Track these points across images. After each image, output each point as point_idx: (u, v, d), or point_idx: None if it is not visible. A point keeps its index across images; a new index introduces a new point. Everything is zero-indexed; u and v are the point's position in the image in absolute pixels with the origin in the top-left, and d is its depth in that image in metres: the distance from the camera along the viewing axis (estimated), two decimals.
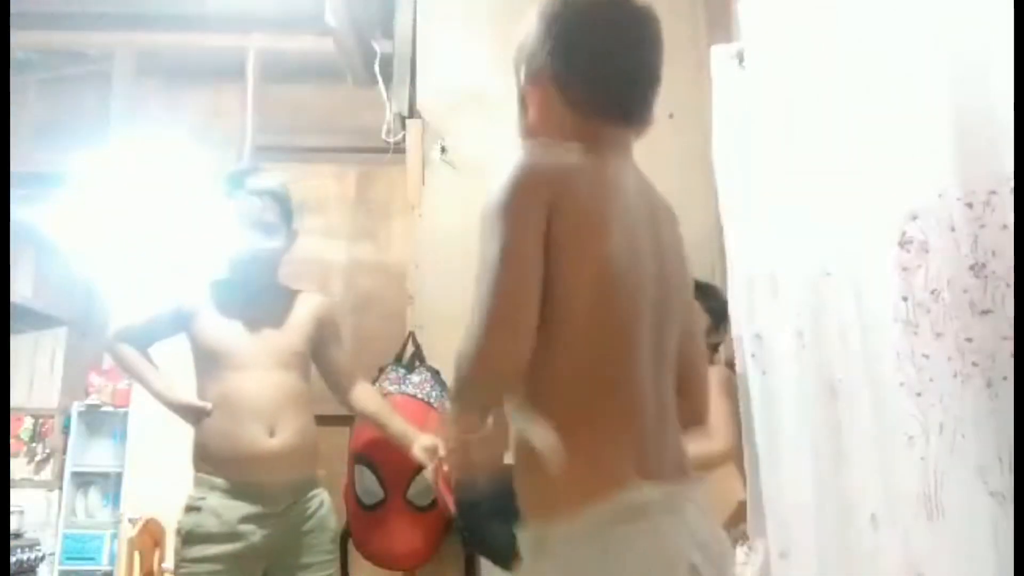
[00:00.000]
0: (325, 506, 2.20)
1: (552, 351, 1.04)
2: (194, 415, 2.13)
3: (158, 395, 2.20)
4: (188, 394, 2.16)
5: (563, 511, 1.01)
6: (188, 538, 2.06)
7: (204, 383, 2.16)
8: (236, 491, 2.07)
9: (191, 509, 2.08)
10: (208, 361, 2.15)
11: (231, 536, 2.04)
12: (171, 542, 4.65)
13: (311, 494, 2.17)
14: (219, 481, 2.08)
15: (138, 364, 2.24)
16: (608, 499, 1.00)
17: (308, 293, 2.34)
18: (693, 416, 1.27)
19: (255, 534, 2.05)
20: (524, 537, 1.08)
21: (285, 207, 2.26)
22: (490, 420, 1.13)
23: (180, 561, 2.07)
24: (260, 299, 2.21)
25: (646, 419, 1.09)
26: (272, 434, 2.09)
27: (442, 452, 1.80)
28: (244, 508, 2.05)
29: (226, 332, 2.16)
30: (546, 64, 1.16)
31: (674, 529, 1.03)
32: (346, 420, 2.49)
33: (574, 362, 1.06)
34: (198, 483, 2.12)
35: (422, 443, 2.11)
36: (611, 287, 1.07)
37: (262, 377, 2.12)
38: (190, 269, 2.53)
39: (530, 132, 1.20)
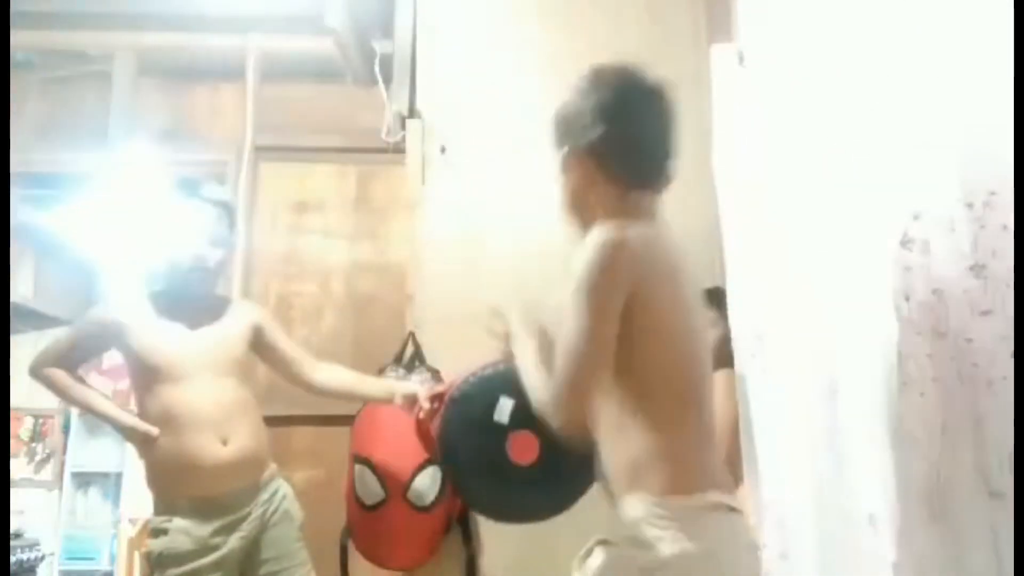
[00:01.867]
0: (287, 497, 2.20)
1: (649, 378, 1.30)
2: (140, 439, 2.09)
3: (106, 416, 2.16)
4: (133, 418, 2.12)
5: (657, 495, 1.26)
6: (160, 561, 2.03)
7: (144, 399, 2.12)
8: (199, 507, 2.05)
9: (159, 532, 2.05)
10: (146, 375, 2.11)
11: (203, 550, 2.02)
12: None
13: (272, 488, 2.16)
14: (181, 502, 2.05)
15: (75, 387, 2.18)
16: (693, 496, 1.26)
17: (240, 301, 2.38)
18: None
19: (228, 543, 2.05)
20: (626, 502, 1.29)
21: (233, 219, 2.30)
22: None
23: None
24: (198, 309, 2.19)
25: (711, 435, 1.36)
26: (225, 443, 2.07)
27: (423, 400, 2.09)
28: (212, 523, 2.04)
29: (164, 344, 2.12)
30: (595, 144, 1.37)
31: (742, 524, 1.33)
32: (346, 420, 2.49)
33: (667, 386, 1.32)
34: (159, 506, 2.09)
35: (402, 391, 2.18)
36: (684, 331, 1.34)
37: (205, 387, 2.09)
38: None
39: (573, 200, 1.43)
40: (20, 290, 4.89)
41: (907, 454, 1.29)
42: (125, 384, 5.39)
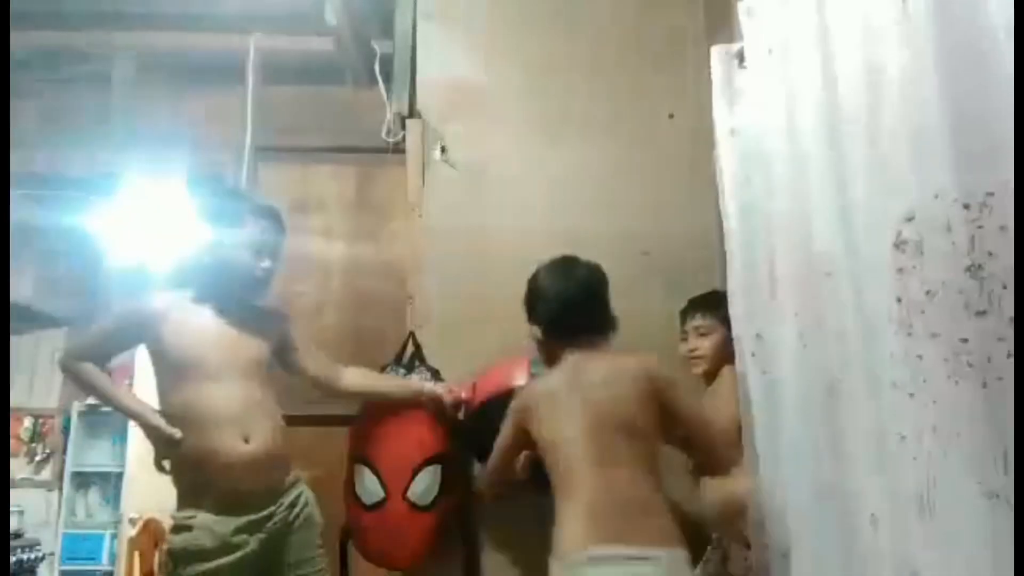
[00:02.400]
0: (310, 503, 2.23)
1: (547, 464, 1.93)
2: (164, 440, 2.10)
3: (134, 414, 2.16)
4: (159, 418, 2.11)
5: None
6: (182, 557, 2.03)
7: (168, 394, 2.14)
8: (223, 504, 2.06)
9: (181, 528, 2.06)
10: (175, 371, 2.12)
11: (226, 548, 2.03)
12: None
13: (295, 493, 2.19)
14: (205, 499, 2.06)
15: (104, 383, 2.19)
16: (573, 552, 1.74)
17: (271, 307, 2.36)
18: (711, 464, 1.99)
19: (250, 543, 2.06)
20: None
21: (282, 226, 2.32)
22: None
23: None
24: (232, 311, 2.21)
25: (596, 503, 1.78)
26: (247, 440, 2.08)
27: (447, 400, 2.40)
28: (235, 519, 2.06)
29: (197, 341, 2.14)
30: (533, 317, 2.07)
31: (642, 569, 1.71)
32: (346, 420, 2.49)
33: (552, 471, 1.90)
34: (183, 502, 2.10)
35: (429, 387, 2.37)
36: (551, 438, 1.91)
37: (231, 387, 2.11)
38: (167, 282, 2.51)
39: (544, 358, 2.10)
40: (20, 290, 4.89)
41: (903, 454, 1.29)
42: (125, 384, 5.41)
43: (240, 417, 2.10)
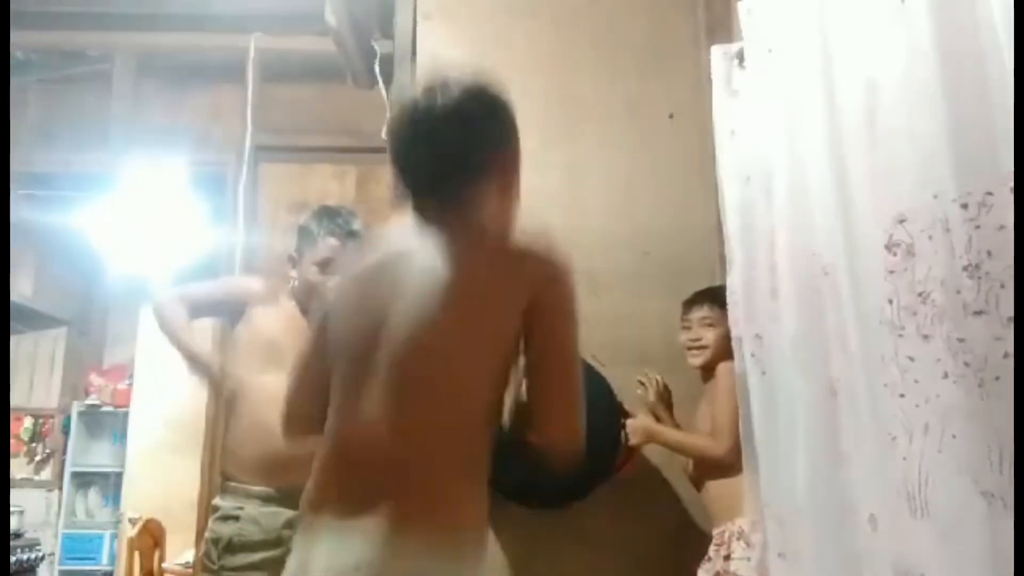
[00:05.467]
0: None
1: None
2: (207, 371, 2.16)
3: (192, 355, 2.19)
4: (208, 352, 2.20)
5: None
6: (230, 547, 2.03)
7: (244, 376, 2.17)
8: (274, 498, 2.07)
9: (228, 518, 2.06)
10: (257, 350, 2.18)
11: (274, 542, 2.03)
12: (171, 542, 4.69)
13: None
14: (256, 489, 2.07)
15: (188, 333, 2.21)
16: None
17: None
18: (563, 429, 1.29)
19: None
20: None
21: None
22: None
23: (220, 570, 2.03)
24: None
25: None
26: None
27: None
28: (284, 513, 2.05)
29: (284, 331, 2.18)
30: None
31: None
32: None
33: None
34: (231, 492, 2.11)
35: None
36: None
37: None
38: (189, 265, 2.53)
39: None
40: (20, 290, 4.90)
41: (899, 454, 1.29)
42: (125, 384, 5.42)
43: None
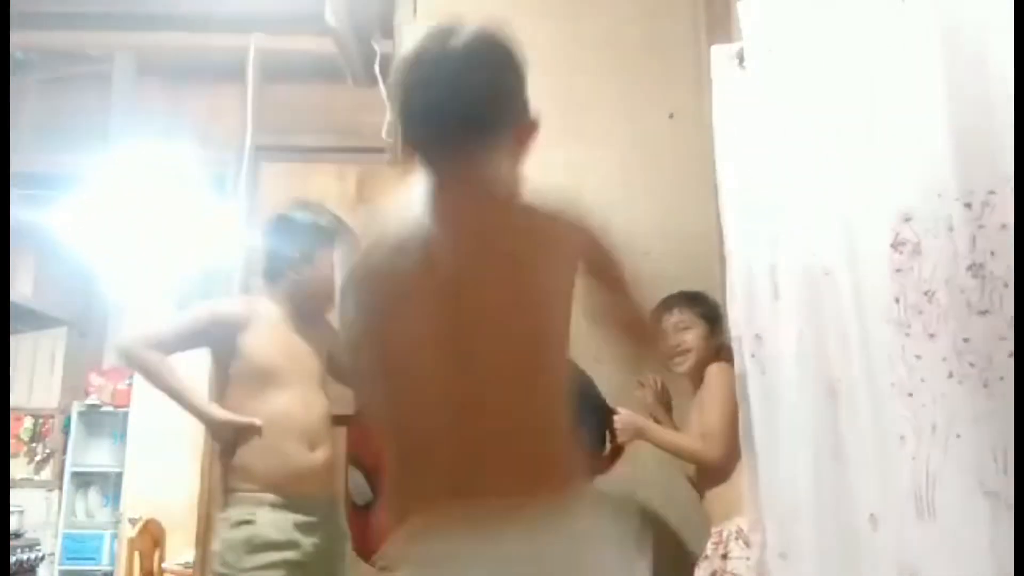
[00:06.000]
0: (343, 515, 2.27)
1: None
2: (238, 433, 2.09)
3: (197, 411, 2.15)
4: (227, 412, 2.11)
5: None
6: (249, 547, 2.02)
7: (242, 399, 2.13)
8: (284, 505, 2.07)
9: (241, 523, 2.05)
10: (254, 378, 2.13)
11: (290, 543, 2.04)
12: (171, 542, 4.68)
13: (339, 504, 2.24)
14: (268, 497, 2.06)
15: (171, 376, 2.15)
16: None
17: (330, 319, 2.35)
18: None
19: (306, 542, 2.06)
20: None
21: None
22: None
23: (241, 571, 2.01)
24: (306, 320, 2.24)
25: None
26: (313, 449, 2.11)
27: None
28: (295, 517, 2.06)
29: (279, 349, 2.16)
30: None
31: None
32: (345, 420, 2.49)
33: None
34: (241, 502, 2.09)
35: None
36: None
37: (304, 396, 2.15)
38: (201, 268, 2.47)
39: None
40: (20, 290, 4.90)
41: (902, 454, 1.29)
42: (125, 384, 5.42)
43: (312, 427, 2.13)
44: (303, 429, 2.11)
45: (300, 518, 2.07)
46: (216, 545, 2.08)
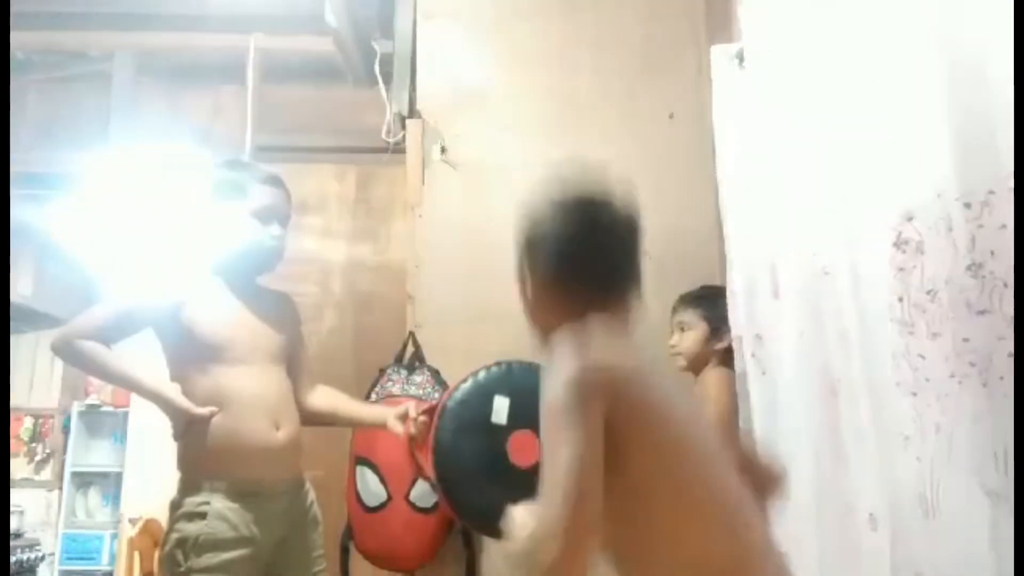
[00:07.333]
0: (314, 501, 2.15)
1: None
2: (190, 420, 1.98)
3: (152, 395, 2.03)
4: (185, 400, 1.99)
5: None
6: (197, 546, 1.90)
7: (194, 378, 2.02)
8: (239, 491, 1.96)
9: (194, 516, 1.93)
10: (202, 354, 2.02)
11: (240, 541, 1.93)
12: None
13: (304, 489, 2.12)
14: (220, 484, 1.95)
15: (117, 363, 2.04)
16: None
17: (285, 293, 2.29)
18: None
19: (262, 534, 1.96)
20: None
21: (290, 198, 2.23)
22: None
23: (187, 571, 1.89)
24: (256, 293, 2.15)
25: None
26: (277, 428, 2.02)
27: (413, 414, 2.09)
28: (250, 509, 1.96)
29: (227, 324, 2.06)
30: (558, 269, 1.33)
31: None
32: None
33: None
34: (195, 487, 1.97)
35: (394, 413, 2.14)
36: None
37: (261, 372, 2.05)
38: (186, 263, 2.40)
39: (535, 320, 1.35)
40: (20, 290, 4.90)
41: (904, 454, 1.29)
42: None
43: (271, 404, 2.03)
44: (264, 407, 2.01)
45: (256, 509, 1.96)
46: (172, 532, 1.95)
